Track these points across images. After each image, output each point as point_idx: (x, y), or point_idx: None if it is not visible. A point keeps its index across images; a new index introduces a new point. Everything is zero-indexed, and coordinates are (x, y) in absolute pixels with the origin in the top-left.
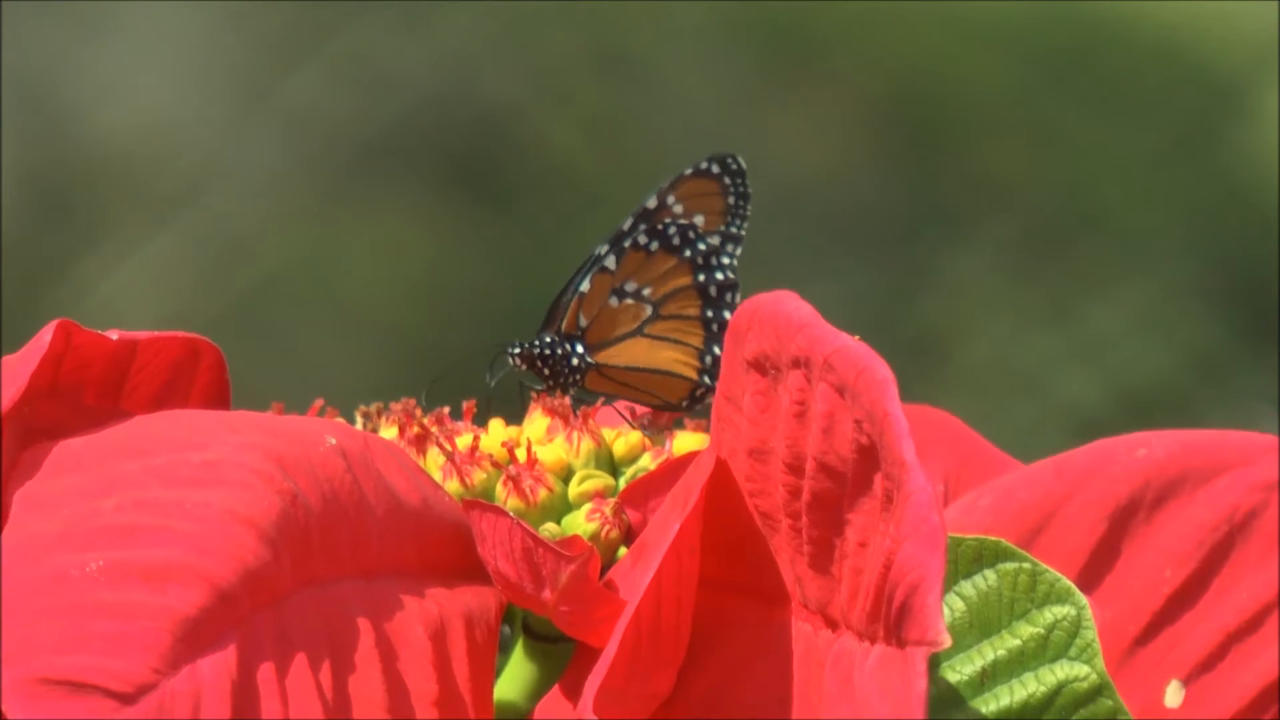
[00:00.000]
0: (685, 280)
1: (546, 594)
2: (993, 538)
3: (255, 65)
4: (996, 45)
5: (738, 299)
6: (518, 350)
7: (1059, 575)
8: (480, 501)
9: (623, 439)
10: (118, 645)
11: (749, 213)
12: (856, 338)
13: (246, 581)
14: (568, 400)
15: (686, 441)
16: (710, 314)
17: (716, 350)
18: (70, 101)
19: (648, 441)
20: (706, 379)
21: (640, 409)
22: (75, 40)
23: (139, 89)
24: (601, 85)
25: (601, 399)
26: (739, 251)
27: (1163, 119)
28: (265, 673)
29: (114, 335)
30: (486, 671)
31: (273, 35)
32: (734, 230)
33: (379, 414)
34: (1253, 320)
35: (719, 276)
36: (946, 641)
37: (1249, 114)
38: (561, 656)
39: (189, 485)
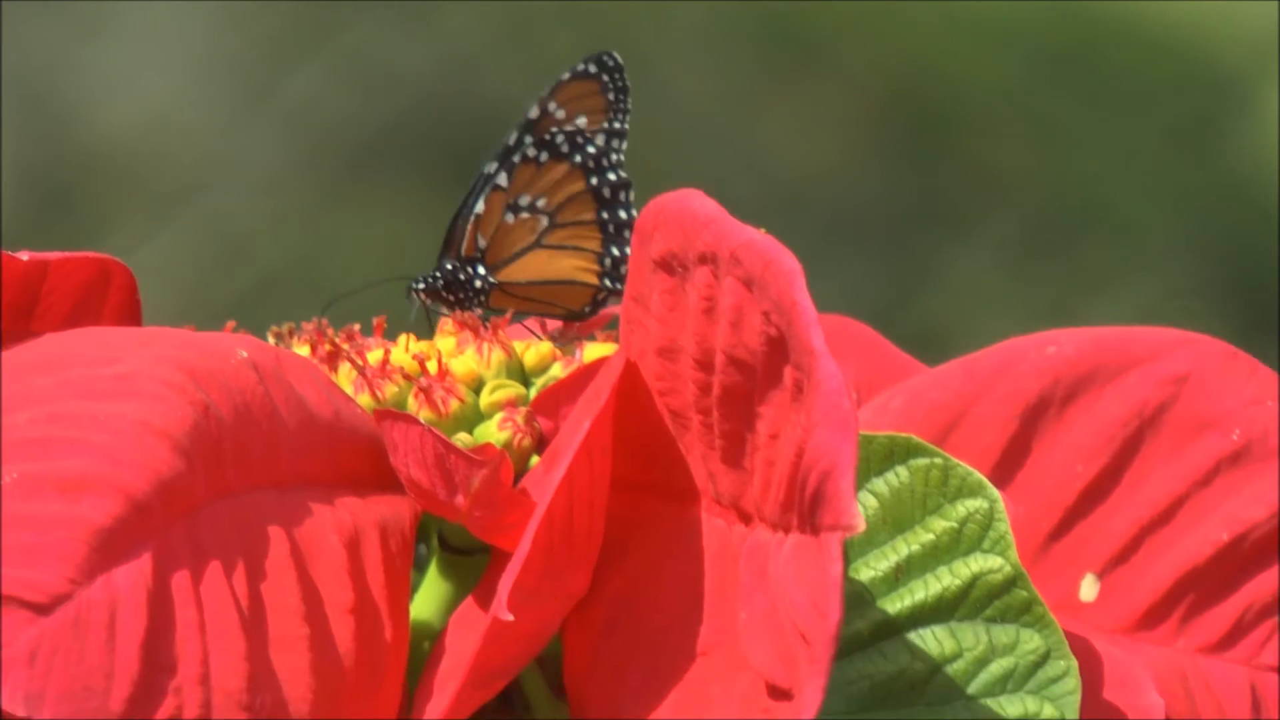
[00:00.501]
0: (579, 186)
1: (460, 499)
2: (904, 434)
3: (256, 63)
4: (998, 42)
5: (631, 197)
6: (421, 285)
7: (971, 469)
8: (391, 410)
9: (533, 349)
10: (33, 556)
11: (630, 106)
12: (763, 231)
13: (160, 491)
14: (478, 313)
15: (597, 350)
16: (606, 216)
17: (615, 251)
18: (71, 100)
19: (558, 351)
20: (607, 282)
21: (551, 322)
22: (76, 39)
23: (140, 87)
24: None
25: (510, 312)
26: (624, 146)
27: (1164, 116)
28: (180, 581)
29: (24, 256)
30: (402, 580)
31: (273, 33)
32: (617, 126)
33: (290, 334)
34: (1253, 317)
35: (611, 177)
36: (861, 525)
37: (1250, 111)
38: (476, 571)
39: (102, 398)
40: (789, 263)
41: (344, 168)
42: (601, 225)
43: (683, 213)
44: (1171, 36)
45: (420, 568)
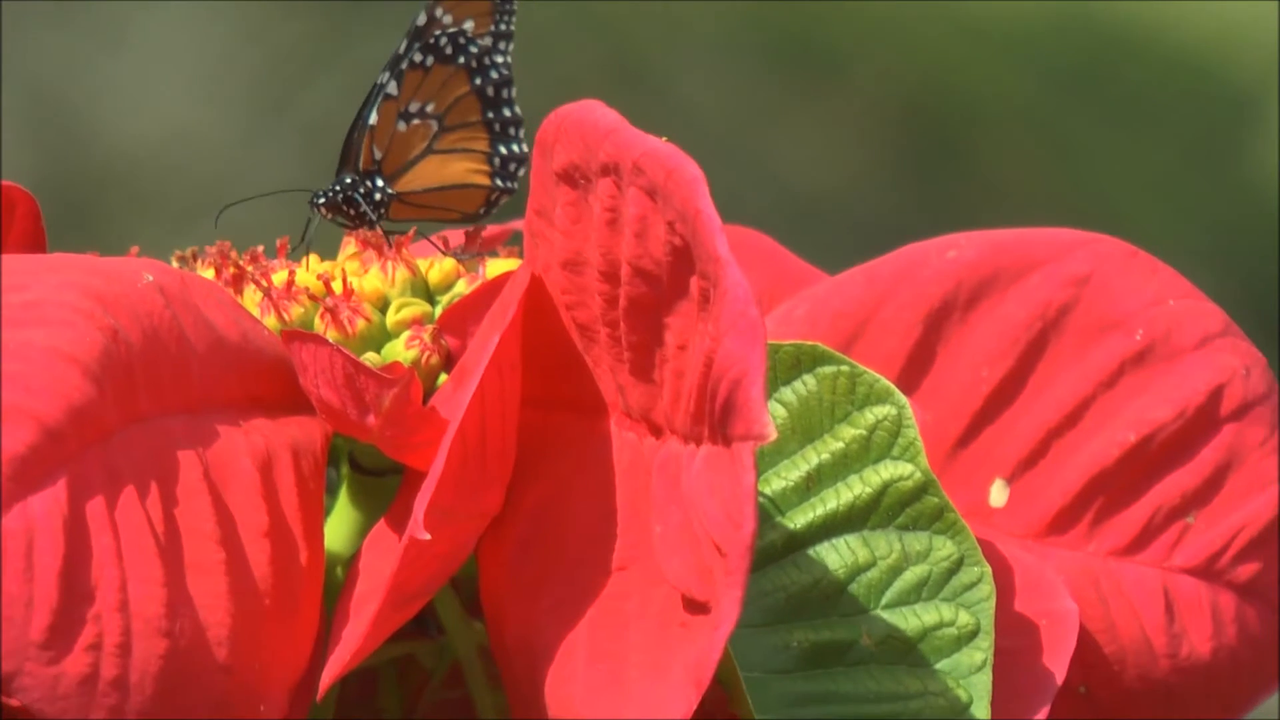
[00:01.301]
0: (464, 87)
1: (371, 419)
2: (810, 343)
3: (273, 77)
4: (1013, 57)
5: (514, 94)
6: (322, 200)
7: (878, 376)
8: (300, 331)
9: (437, 267)
10: None
11: (514, 7)
12: (665, 140)
13: (73, 418)
14: (380, 231)
15: (500, 266)
16: (491, 115)
17: (503, 150)
18: (87, 112)
19: (462, 268)
20: (499, 181)
21: (453, 239)
22: (92, 51)
23: (156, 100)
24: (617, 97)
25: (414, 229)
26: (510, 48)
27: (1178, 131)
28: (95, 507)
29: None
30: (315, 503)
31: (290, 47)
32: (503, 27)
33: (194, 257)
34: (1267, 331)
35: (494, 75)
36: (773, 434)
37: (1264, 126)
38: (387, 495)
39: (11, 326)
40: (691, 170)
41: None
42: (488, 125)
43: (584, 123)
44: (1186, 52)
45: (332, 493)
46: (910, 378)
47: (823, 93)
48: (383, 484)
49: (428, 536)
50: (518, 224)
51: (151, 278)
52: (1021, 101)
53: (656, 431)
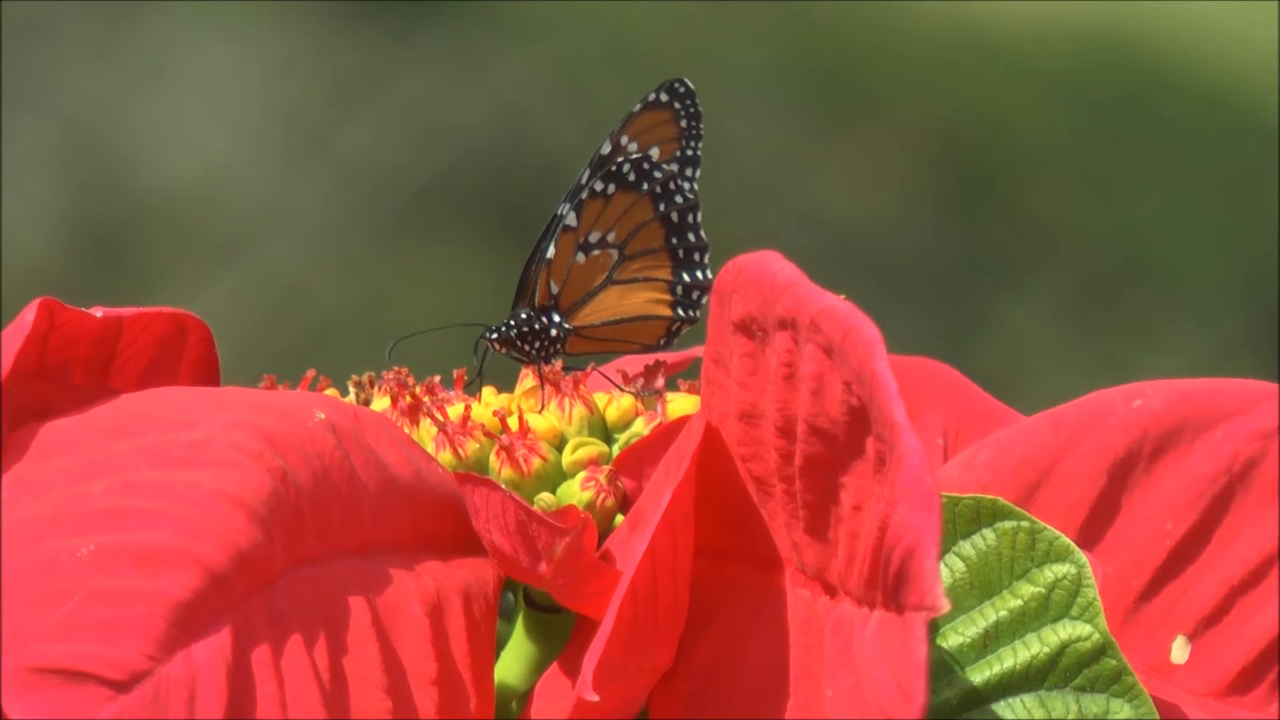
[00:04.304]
0: (647, 214)
1: (542, 567)
2: (990, 496)
3: (310, 113)
4: (1050, 93)
5: (700, 219)
6: (495, 335)
7: (1058, 533)
8: (473, 475)
9: (615, 404)
10: (111, 632)
11: (702, 131)
12: (843, 297)
13: (239, 563)
14: (558, 366)
15: (679, 404)
16: (675, 241)
17: (685, 278)
18: (126, 149)
19: (640, 406)
20: (680, 311)
21: (632, 371)
22: (131, 88)
23: (194, 136)
24: None
25: (592, 365)
26: (698, 174)
27: (1216, 167)
28: (260, 655)
29: (98, 312)
30: (486, 648)
31: (328, 83)
32: (690, 153)
33: (371, 384)
34: None
35: (679, 200)
36: (945, 607)
37: None
38: (564, 629)
39: (178, 466)
40: (869, 331)
41: (397, 217)
42: (671, 252)
43: (761, 276)
44: (1222, 88)
45: (507, 617)
46: (1093, 529)
47: (861, 129)
48: (558, 620)
49: (596, 698)
50: (698, 350)
51: (323, 416)
52: (1058, 137)
53: (830, 591)
